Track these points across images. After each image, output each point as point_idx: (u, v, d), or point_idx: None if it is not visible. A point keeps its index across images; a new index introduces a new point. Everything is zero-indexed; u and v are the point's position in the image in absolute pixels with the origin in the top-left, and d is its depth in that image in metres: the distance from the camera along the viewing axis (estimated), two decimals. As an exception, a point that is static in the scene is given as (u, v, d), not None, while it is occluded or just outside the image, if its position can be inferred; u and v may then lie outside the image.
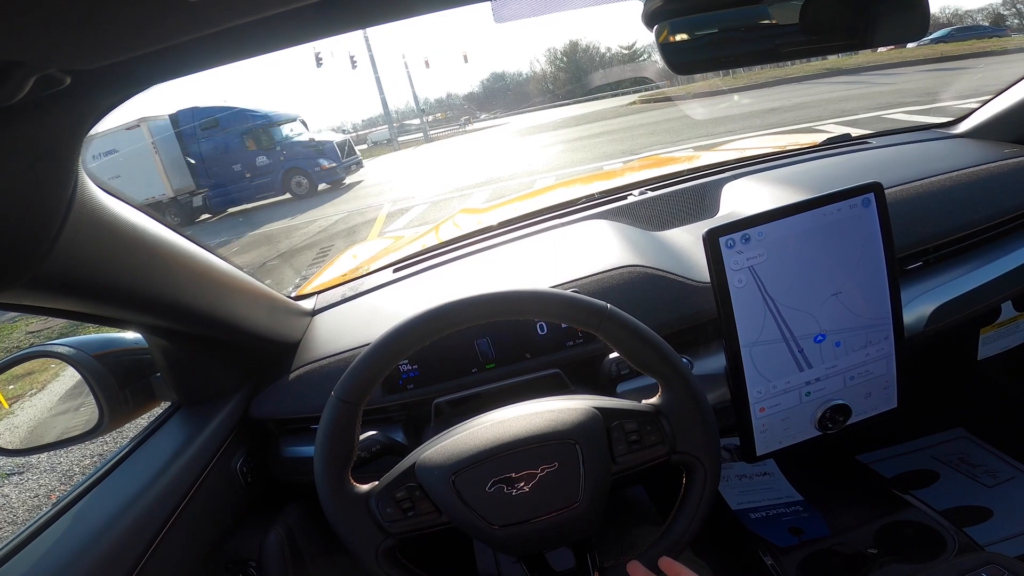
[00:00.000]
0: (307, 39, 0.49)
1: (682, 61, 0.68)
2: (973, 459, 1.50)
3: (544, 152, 12.67)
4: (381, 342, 0.73)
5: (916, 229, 1.10)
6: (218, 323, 0.94)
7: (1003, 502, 1.36)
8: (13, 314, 7.24)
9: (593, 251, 1.17)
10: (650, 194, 1.39)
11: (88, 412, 1.01)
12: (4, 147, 0.49)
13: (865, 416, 1.01)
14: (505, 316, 0.75)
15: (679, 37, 0.66)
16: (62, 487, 3.50)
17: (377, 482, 0.76)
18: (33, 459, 3.76)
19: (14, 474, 3.69)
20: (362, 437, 0.78)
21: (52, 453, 3.73)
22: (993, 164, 1.22)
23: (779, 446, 1.00)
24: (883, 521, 1.27)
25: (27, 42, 0.36)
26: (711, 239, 0.88)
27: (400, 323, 0.74)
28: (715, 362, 1.00)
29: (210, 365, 1.04)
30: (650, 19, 0.65)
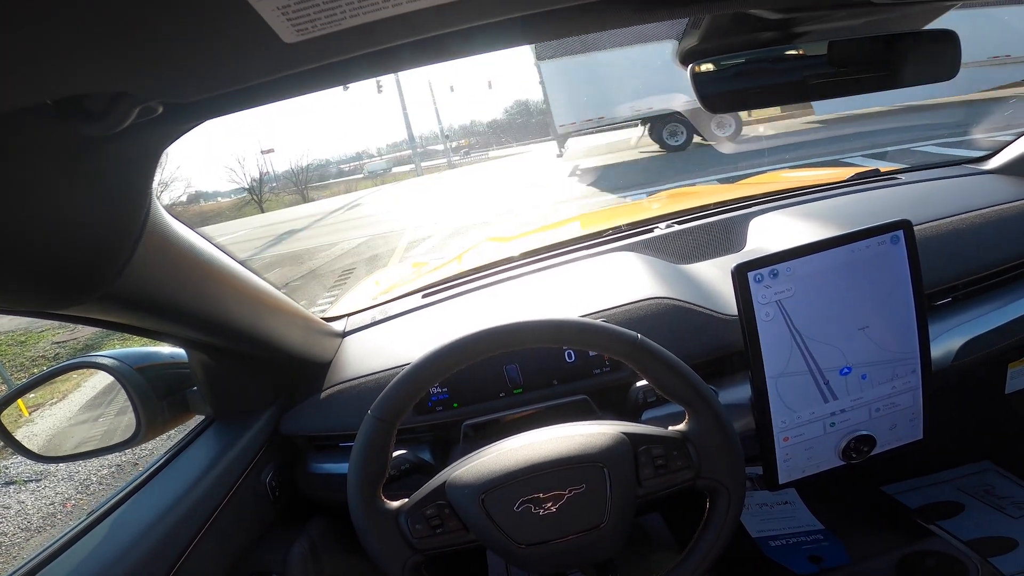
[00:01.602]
0: (376, 75, 0.53)
1: (715, 98, 0.70)
2: (999, 491, 1.47)
3: (564, 182, 12.71)
4: (419, 364, 0.76)
5: (945, 266, 1.11)
6: (258, 340, 0.98)
7: None
8: (41, 324, 7.38)
9: (622, 283, 1.19)
10: (677, 227, 1.41)
11: (107, 423, 1.04)
12: (94, 171, 0.53)
13: (890, 447, 1.01)
14: (539, 344, 0.78)
15: (711, 73, 0.68)
16: (78, 496, 3.54)
17: (407, 499, 0.77)
18: (52, 467, 3.81)
19: (31, 481, 3.75)
20: (392, 456, 0.80)
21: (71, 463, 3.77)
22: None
23: (802, 475, 1.00)
24: (905, 550, 1.25)
25: (137, 76, 0.40)
26: (740, 274, 0.90)
27: (439, 347, 0.77)
28: (740, 392, 1.01)
29: (245, 381, 1.08)
30: (684, 58, 0.68)
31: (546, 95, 11.83)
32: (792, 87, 0.70)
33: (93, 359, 1.01)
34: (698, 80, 0.69)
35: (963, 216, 1.20)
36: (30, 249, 0.53)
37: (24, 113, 0.43)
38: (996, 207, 1.22)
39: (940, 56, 0.68)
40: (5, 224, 0.50)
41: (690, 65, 0.68)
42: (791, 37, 0.68)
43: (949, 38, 0.67)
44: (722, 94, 0.70)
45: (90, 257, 0.59)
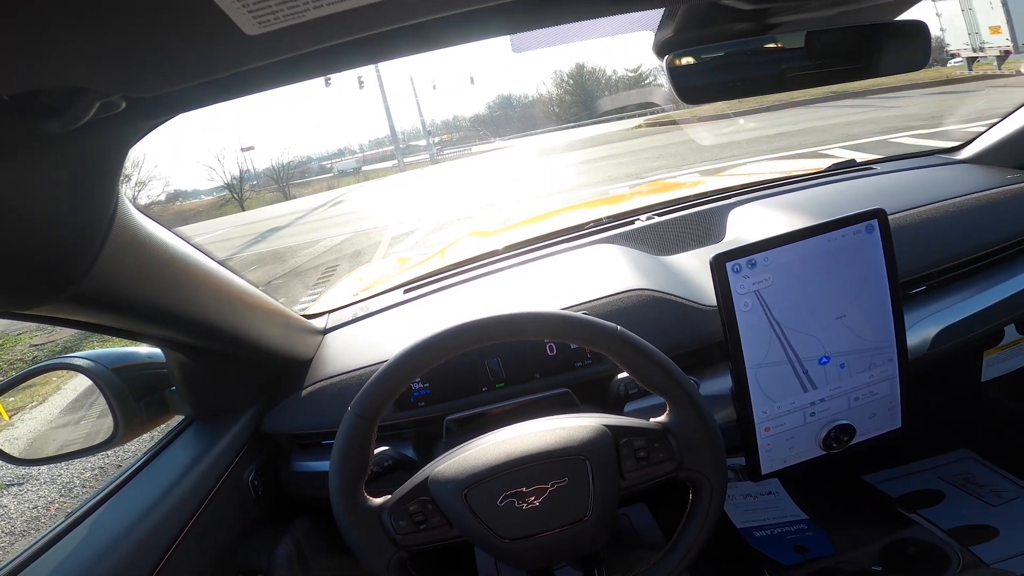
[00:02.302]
0: (346, 68, 0.52)
1: (691, 90, 0.70)
2: (979, 479, 1.50)
3: (549, 176, 12.74)
4: (398, 360, 0.76)
5: (920, 255, 1.12)
6: (237, 339, 0.97)
7: (1009, 520, 1.36)
8: (17, 327, 7.27)
9: (602, 275, 1.19)
10: (657, 219, 1.41)
11: (88, 426, 1.02)
12: (56, 168, 0.52)
13: (869, 436, 1.02)
14: (519, 336, 0.78)
15: (688, 66, 0.69)
16: (61, 499, 3.50)
17: (390, 496, 0.77)
18: (34, 470, 3.75)
19: (13, 485, 3.69)
20: (375, 452, 0.80)
21: (53, 465, 3.72)
22: (996, 190, 1.24)
23: (784, 465, 1.01)
24: (888, 539, 1.27)
25: (95, 70, 0.39)
26: (718, 264, 0.90)
27: (417, 342, 0.76)
28: (721, 383, 1.02)
29: (225, 380, 1.06)
30: (661, 49, 0.68)
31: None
32: (768, 78, 0.71)
33: (68, 360, 0.99)
34: (674, 72, 0.69)
35: (937, 205, 1.21)
36: None
37: None
38: (968, 196, 1.23)
39: (912, 46, 0.69)
40: None
41: (666, 56, 0.68)
42: (766, 28, 0.68)
43: (920, 29, 0.68)
44: (698, 86, 0.71)
45: (56, 255, 0.58)
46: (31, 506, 3.46)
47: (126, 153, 0.59)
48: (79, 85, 0.42)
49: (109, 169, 0.59)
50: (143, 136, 0.58)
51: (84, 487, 3.58)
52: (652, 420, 0.80)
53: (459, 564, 1.45)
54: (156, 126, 0.58)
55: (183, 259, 0.81)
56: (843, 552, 1.30)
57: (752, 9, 0.59)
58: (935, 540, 1.27)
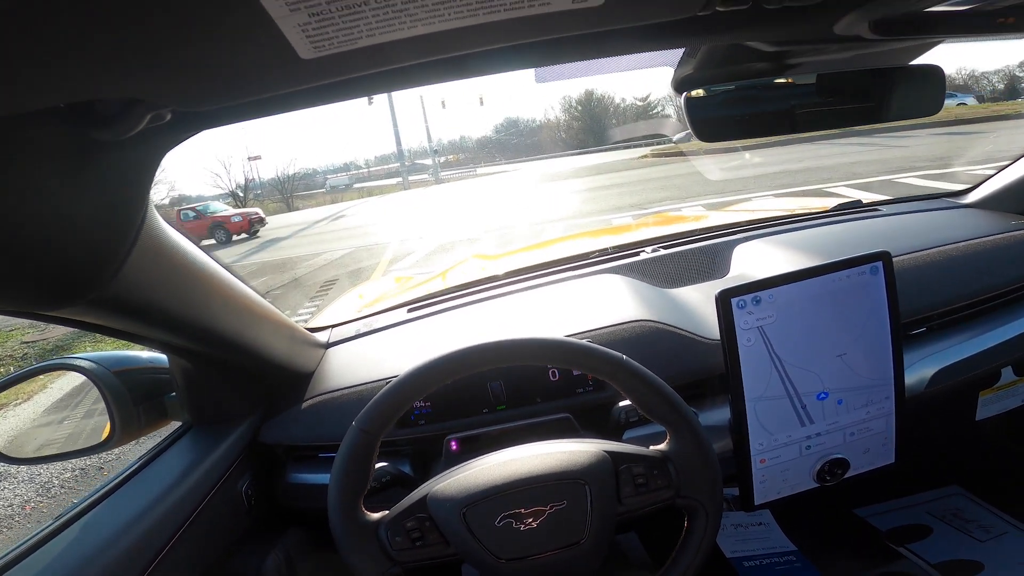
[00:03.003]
0: (385, 91, 0.54)
1: (708, 127, 0.72)
2: (967, 514, 1.50)
3: (553, 202, 12.81)
4: (405, 378, 0.76)
5: (921, 297, 1.13)
6: (243, 348, 0.97)
7: (994, 556, 1.36)
8: (9, 323, 7.24)
9: (607, 304, 1.20)
10: (663, 252, 1.43)
11: (71, 427, 1.02)
12: (96, 175, 0.53)
13: (863, 470, 1.03)
14: (526, 361, 0.79)
15: (706, 103, 0.70)
16: (38, 498, 3.45)
17: (388, 511, 0.77)
18: (12, 469, 3.70)
19: (-10, 482, 3.64)
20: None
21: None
22: (999, 236, 1.26)
23: (777, 496, 1.02)
24: (875, 572, 1.27)
25: (152, 83, 0.40)
26: (723, 300, 0.91)
27: (426, 361, 0.77)
28: (720, 414, 1.02)
29: (226, 388, 1.06)
30: (679, 86, 0.69)
31: None
32: (782, 118, 0.72)
33: (71, 361, 0.99)
34: (691, 108, 0.70)
35: (941, 248, 1.23)
36: (28, 249, 0.53)
37: (36, 114, 0.43)
38: (972, 241, 1.25)
39: (926, 91, 0.70)
40: (4, 223, 0.49)
41: (684, 94, 0.70)
42: (783, 69, 0.70)
43: (935, 73, 0.70)
44: (715, 123, 0.72)
45: (86, 259, 0.59)
46: (6, 504, 3.41)
47: (160, 161, 0.60)
48: (135, 97, 0.43)
49: (143, 177, 0.60)
50: (177, 145, 0.59)
51: (63, 488, 3.54)
52: (652, 448, 0.81)
53: None
54: (189, 138, 0.59)
55: (200, 268, 0.82)
56: None
57: (773, 51, 0.60)
58: (922, 574, 1.26)
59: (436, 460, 1.05)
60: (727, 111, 0.71)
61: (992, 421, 1.36)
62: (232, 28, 0.37)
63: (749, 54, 0.62)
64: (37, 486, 3.58)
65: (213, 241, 16.26)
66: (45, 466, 3.71)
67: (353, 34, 0.39)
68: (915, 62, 0.73)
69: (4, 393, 1.07)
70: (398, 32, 0.39)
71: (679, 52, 0.68)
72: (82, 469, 3.68)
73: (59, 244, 0.55)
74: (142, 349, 1.06)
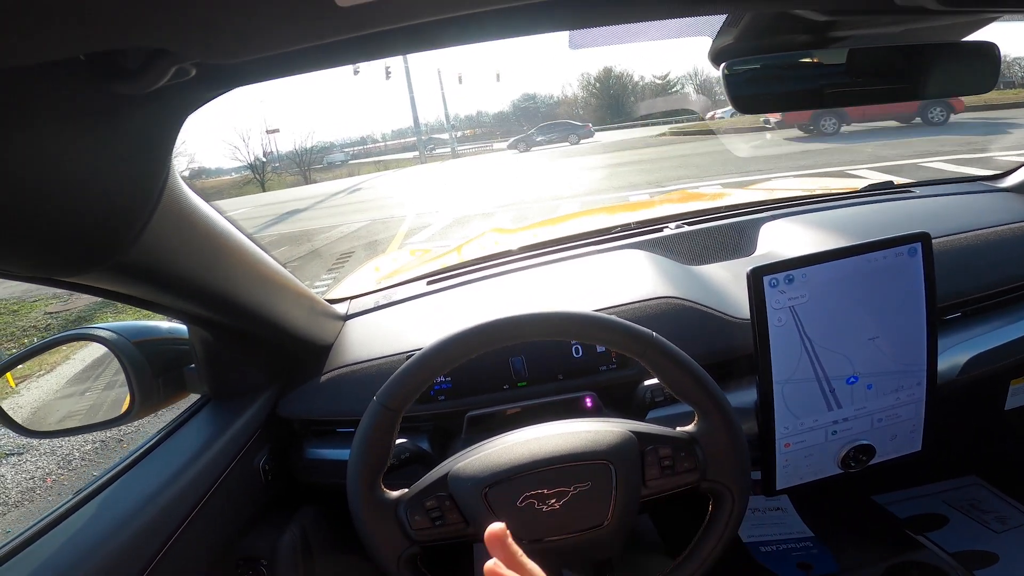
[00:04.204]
0: (417, 50, 0.51)
1: (747, 99, 0.69)
2: (984, 505, 1.49)
3: (570, 178, 12.72)
4: (429, 352, 0.75)
5: (957, 281, 1.11)
6: (263, 319, 0.96)
7: (1011, 548, 1.35)
8: (34, 293, 7.34)
9: (631, 280, 1.18)
10: (687, 228, 1.40)
11: (93, 398, 1.02)
12: (117, 133, 0.51)
13: (889, 457, 1.01)
14: (553, 336, 0.77)
15: (746, 74, 0.67)
16: (59, 471, 3.49)
17: (407, 489, 0.76)
18: (35, 442, 3.73)
19: (13, 455, 3.68)
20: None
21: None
22: None
23: (800, 481, 1.00)
24: (892, 560, 1.26)
25: (178, 33, 0.38)
26: (755, 277, 0.89)
27: (450, 335, 0.75)
28: (745, 396, 1.00)
29: (245, 360, 1.06)
30: (717, 56, 0.66)
31: None
32: (830, 92, 0.69)
33: (91, 331, 0.99)
34: (731, 80, 0.67)
35: (977, 232, 1.20)
36: (48, 211, 0.51)
37: (54, 66, 0.41)
38: (1010, 225, 1.22)
39: (981, 67, 0.67)
40: (25, 184, 0.48)
41: (723, 64, 0.67)
42: (828, 41, 0.66)
43: (990, 50, 0.66)
44: (755, 95, 0.69)
45: (106, 223, 0.57)
46: (28, 477, 3.46)
47: (181, 123, 0.58)
48: (160, 47, 0.41)
49: (166, 138, 0.58)
50: (203, 105, 0.58)
51: (84, 460, 3.58)
52: (679, 429, 0.79)
53: (459, 563, 1.44)
54: (216, 96, 0.57)
55: (222, 235, 0.80)
56: (847, 571, 1.29)
57: (823, 21, 0.57)
58: (939, 563, 1.26)
59: (455, 437, 1.04)
60: (770, 85, 0.68)
61: (1017, 412, 1.34)
62: None
63: (796, 25, 0.59)
64: (58, 458, 3.62)
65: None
66: (66, 439, 3.74)
67: None
68: (969, 38, 0.70)
69: (27, 364, 1.07)
70: None
71: (719, 20, 0.65)
72: (102, 441, 3.72)
73: (79, 206, 0.54)
74: (162, 319, 1.06)
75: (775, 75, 0.67)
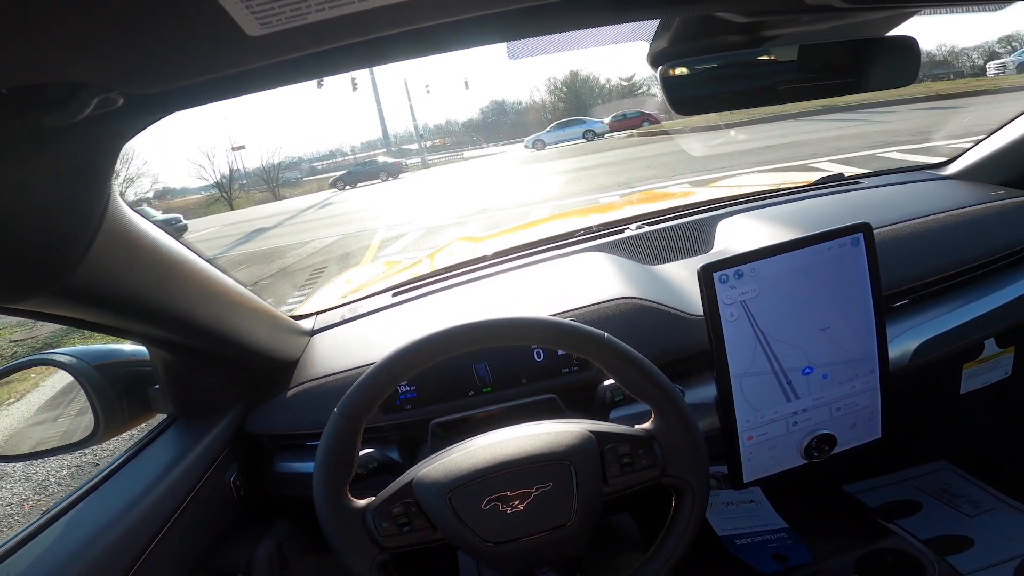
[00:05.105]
0: (344, 71, 0.52)
1: (685, 101, 0.71)
2: (955, 490, 1.52)
3: (540, 184, 12.78)
4: (386, 362, 0.75)
5: (903, 268, 1.13)
6: (223, 338, 0.96)
7: (984, 532, 1.38)
8: (-1, 321, 7.18)
9: (590, 282, 1.19)
10: (646, 229, 1.42)
11: (66, 424, 1.01)
12: (52, 162, 0.51)
13: (850, 446, 1.03)
14: (508, 342, 0.78)
15: (682, 77, 0.69)
16: (36, 496, 3.44)
17: (374, 497, 0.77)
18: (8, 467, 3.69)
19: (-11, 482, 3.62)
20: (360, 454, 0.79)
21: (28, 463, 3.66)
22: (980, 206, 1.26)
23: (766, 473, 1.02)
24: (865, 548, 1.29)
25: (96, 65, 0.39)
26: (705, 274, 0.91)
27: (405, 344, 0.76)
28: (706, 391, 1.02)
29: (209, 379, 1.06)
30: (655, 60, 0.68)
31: None
32: (760, 91, 0.71)
33: (50, 356, 0.98)
34: (667, 83, 0.69)
35: (921, 220, 1.23)
36: None
37: None
38: (953, 211, 1.25)
39: (902, 61, 0.70)
40: None
41: (660, 67, 0.69)
42: (759, 41, 0.69)
43: (910, 44, 0.69)
44: (691, 96, 0.71)
45: (46, 249, 0.57)
46: (4, 503, 3.40)
47: (120, 148, 0.59)
48: (79, 80, 0.41)
49: (103, 164, 0.58)
50: (139, 132, 0.58)
51: (60, 485, 3.52)
52: (637, 427, 0.80)
53: (442, 566, 1.45)
54: (152, 122, 0.58)
55: (172, 256, 0.80)
56: (821, 561, 1.31)
57: (747, 22, 0.60)
58: (912, 550, 1.28)
59: (423, 445, 1.05)
60: (703, 85, 0.70)
61: (977, 396, 1.37)
62: (173, 7, 0.36)
63: (723, 27, 0.61)
64: (34, 484, 3.56)
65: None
66: (41, 464, 3.70)
67: (301, 9, 0.37)
68: (891, 33, 0.73)
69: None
70: (349, 6, 0.38)
71: (654, 25, 0.68)
72: (77, 466, 3.66)
73: (15, 233, 0.54)
74: (124, 342, 1.05)
75: (707, 76, 0.69)
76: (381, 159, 30.19)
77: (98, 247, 0.63)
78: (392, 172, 26.23)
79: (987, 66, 20.17)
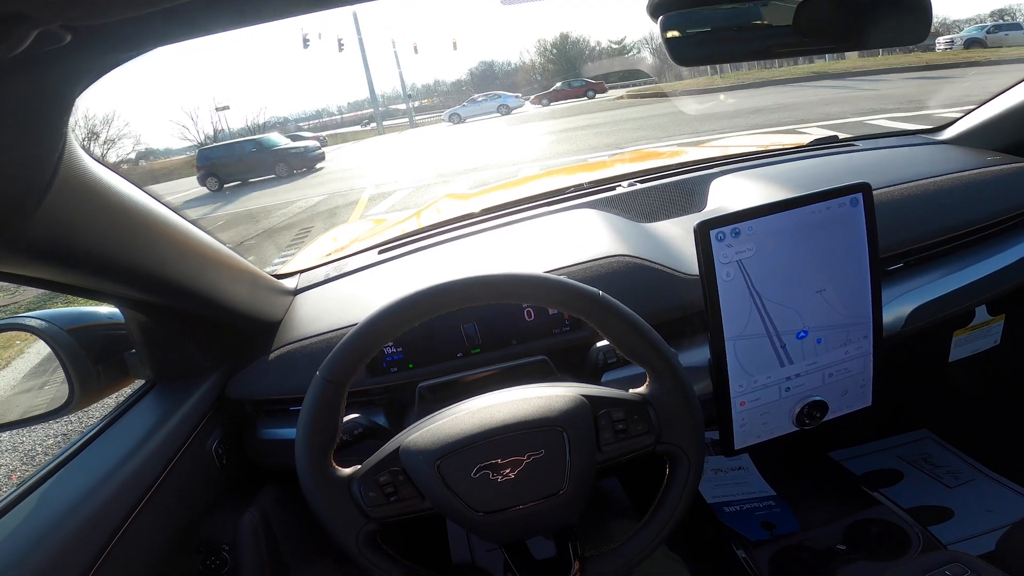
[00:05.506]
0: (309, 10, 0.48)
1: (685, 51, 0.67)
2: (936, 460, 1.54)
3: (529, 143, 12.64)
4: (370, 321, 0.72)
5: (899, 231, 1.12)
6: (199, 297, 0.92)
7: (964, 503, 1.40)
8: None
9: (582, 239, 1.16)
10: (639, 186, 1.39)
11: (53, 391, 0.97)
12: None
13: (841, 413, 1.02)
14: (497, 299, 0.75)
15: (683, 27, 0.65)
16: (24, 467, 3.41)
17: (360, 466, 0.74)
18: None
19: (-26, 454, 3.59)
20: (344, 420, 0.76)
21: (14, 432, 3.63)
22: (976, 171, 1.24)
23: (757, 440, 1.01)
24: (852, 518, 1.30)
25: None
26: (702, 231, 0.88)
27: (390, 303, 0.73)
28: (699, 355, 1.00)
29: (188, 342, 1.02)
30: (655, 9, 0.64)
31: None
32: (763, 44, 0.68)
33: (19, 320, 0.94)
34: (668, 32, 0.65)
35: (917, 183, 1.21)
36: None
37: None
38: (949, 175, 1.23)
39: (914, 18, 0.66)
40: None
41: (660, 16, 0.65)
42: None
43: (922, 1, 0.65)
44: (692, 47, 0.67)
45: None
46: (-8, 475, 3.37)
47: (77, 93, 0.54)
48: (11, 10, 0.37)
49: (56, 109, 0.54)
50: (97, 77, 0.53)
51: (47, 455, 3.49)
52: (631, 391, 0.78)
53: (431, 536, 1.44)
54: (111, 67, 0.53)
55: (141, 210, 0.75)
56: (809, 529, 1.32)
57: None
58: (897, 520, 1.30)
59: (410, 409, 1.03)
60: (705, 36, 0.66)
61: (962, 365, 1.37)
62: None
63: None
64: (21, 455, 3.54)
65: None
66: (28, 435, 3.67)
67: None
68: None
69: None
70: None
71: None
72: (64, 434, 3.64)
73: None
74: (101, 306, 1.01)
75: (708, 26, 0.66)
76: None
77: (54, 197, 0.58)
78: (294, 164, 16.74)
79: (937, 41, 21.22)
